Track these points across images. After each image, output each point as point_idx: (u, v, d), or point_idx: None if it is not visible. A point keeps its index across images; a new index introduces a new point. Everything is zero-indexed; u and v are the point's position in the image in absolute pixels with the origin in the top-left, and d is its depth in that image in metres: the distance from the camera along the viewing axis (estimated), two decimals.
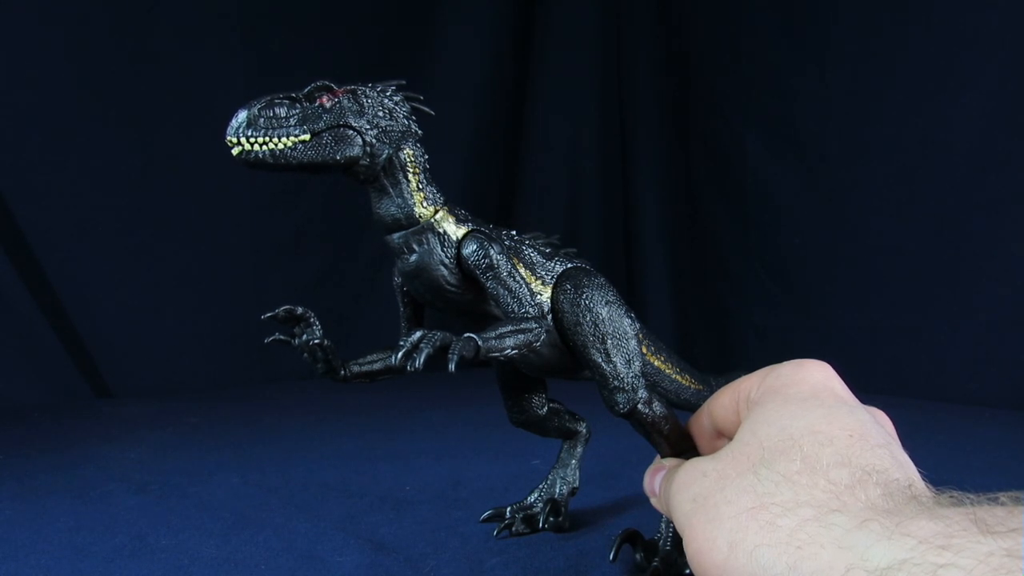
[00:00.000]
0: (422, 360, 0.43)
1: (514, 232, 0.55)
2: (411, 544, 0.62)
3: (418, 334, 0.44)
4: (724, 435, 0.45)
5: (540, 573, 0.56)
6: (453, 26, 1.88)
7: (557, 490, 0.66)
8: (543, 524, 0.64)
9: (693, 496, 0.37)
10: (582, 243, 2.03)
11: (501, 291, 0.50)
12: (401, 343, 0.44)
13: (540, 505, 0.66)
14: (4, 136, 1.45)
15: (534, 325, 0.48)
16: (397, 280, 0.57)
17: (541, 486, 0.67)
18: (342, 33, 1.77)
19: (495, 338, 0.46)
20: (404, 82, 0.52)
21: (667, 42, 1.94)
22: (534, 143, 2.02)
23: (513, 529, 0.64)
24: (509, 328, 0.47)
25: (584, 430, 0.68)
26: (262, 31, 1.72)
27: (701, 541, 0.35)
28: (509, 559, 0.58)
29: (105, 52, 1.55)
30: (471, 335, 0.45)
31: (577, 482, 0.67)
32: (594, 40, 2.02)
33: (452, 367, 0.43)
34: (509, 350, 0.47)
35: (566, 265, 0.55)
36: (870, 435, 0.35)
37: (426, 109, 0.53)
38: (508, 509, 0.66)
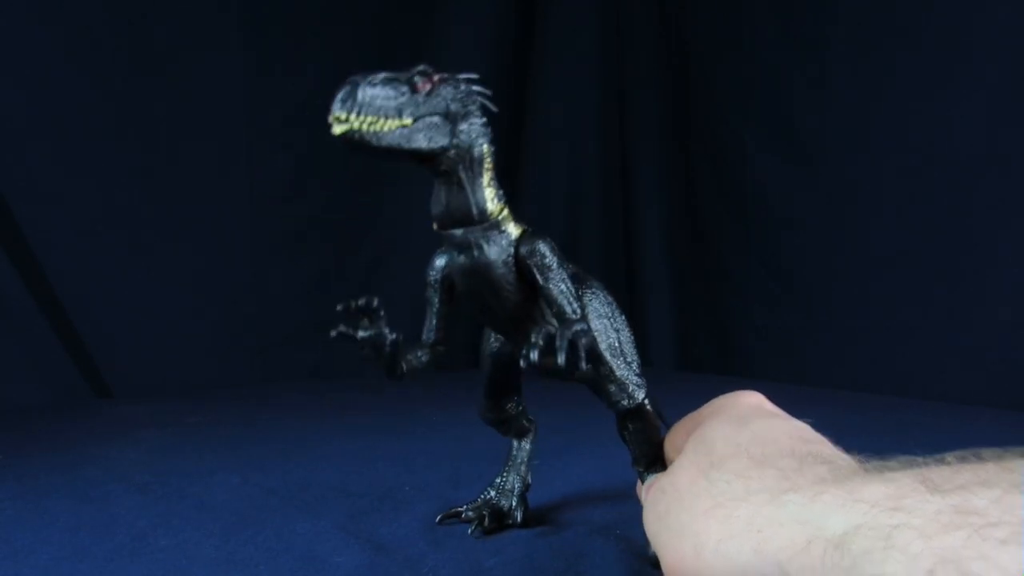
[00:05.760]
0: (563, 358, 0.43)
1: None
2: (411, 544, 0.62)
3: (546, 330, 0.44)
4: None
5: (540, 573, 0.56)
6: (453, 26, 1.88)
7: (517, 486, 0.67)
8: (520, 518, 0.65)
9: (657, 515, 0.39)
10: (582, 243, 2.04)
11: (556, 292, 0.49)
12: (533, 339, 0.44)
13: (506, 501, 0.66)
14: (4, 136, 1.45)
15: (587, 327, 0.48)
16: (434, 276, 0.54)
17: (496, 483, 0.67)
18: (342, 33, 1.76)
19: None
20: (477, 76, 0.51)
21: (667, 42, 1.94)
22: (534, 143, 2.02)
23: (486, 525, 0.64)
24: (579, 328, 0.46)
25: (534, 428, 0.69)
26: (262, 31, 1.72)
27: (671, 555, 0.36)
28: (508, 559, 0.58)
29: (105, 52, 1.54)
30: (583, 328, 0.45)
31: (530, 478, 0.68)
32: (594, 40, 2.02)
33: (584, 366, 0.44)
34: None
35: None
36: (807, 435, 0.39)
37: (491, 106, 0.52)
38: (464, 508, 0.66)
